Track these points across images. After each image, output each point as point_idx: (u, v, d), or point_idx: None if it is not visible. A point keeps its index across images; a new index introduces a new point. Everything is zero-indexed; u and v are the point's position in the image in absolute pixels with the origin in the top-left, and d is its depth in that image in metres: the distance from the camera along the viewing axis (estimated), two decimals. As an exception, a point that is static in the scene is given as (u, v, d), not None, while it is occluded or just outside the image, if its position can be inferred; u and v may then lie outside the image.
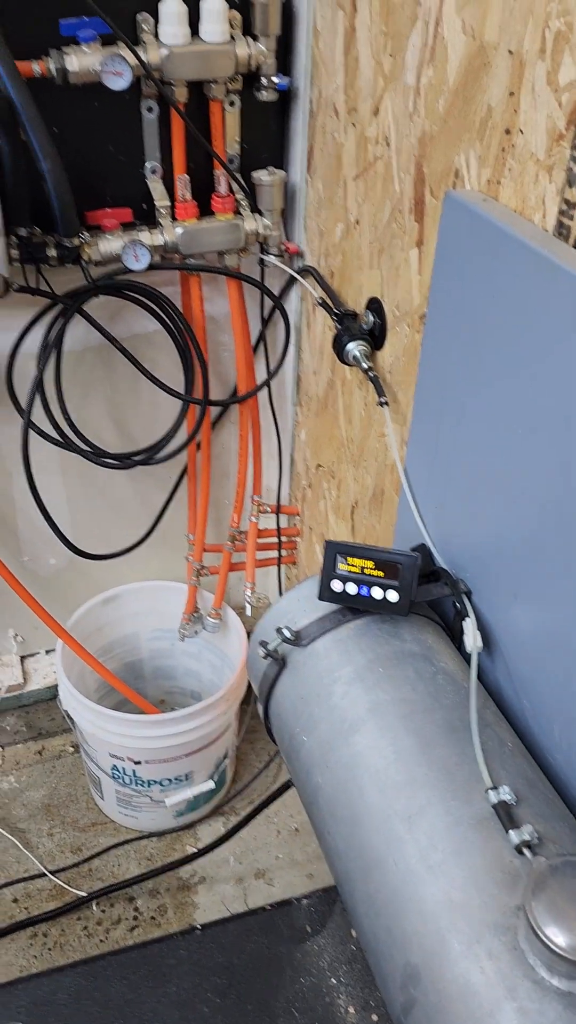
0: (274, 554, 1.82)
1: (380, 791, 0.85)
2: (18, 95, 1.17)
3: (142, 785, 1.71)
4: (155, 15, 1.26)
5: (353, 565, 0.98)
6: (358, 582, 0.98)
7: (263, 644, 1.02)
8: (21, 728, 1.97)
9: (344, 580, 0.98)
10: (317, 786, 0.92)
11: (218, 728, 1.68)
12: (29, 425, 1.45)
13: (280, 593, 1.91)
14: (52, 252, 1.33)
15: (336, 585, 0.99)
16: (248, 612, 1.77)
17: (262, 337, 1.64)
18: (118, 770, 1.69)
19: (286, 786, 1.49)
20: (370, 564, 0.98)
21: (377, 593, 0.97)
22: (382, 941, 0.79)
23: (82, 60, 1.23)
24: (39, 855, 1.77)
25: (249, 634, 1.77)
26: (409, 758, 0.86)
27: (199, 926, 0.93)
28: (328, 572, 0.99)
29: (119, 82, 1.24)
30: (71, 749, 1.98)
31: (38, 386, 1.43)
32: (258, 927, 0.88)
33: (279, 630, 1.01)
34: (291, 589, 1.09)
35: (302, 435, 1.69)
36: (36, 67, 1.22)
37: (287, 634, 1.00)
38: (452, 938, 0.72)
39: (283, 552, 1.81)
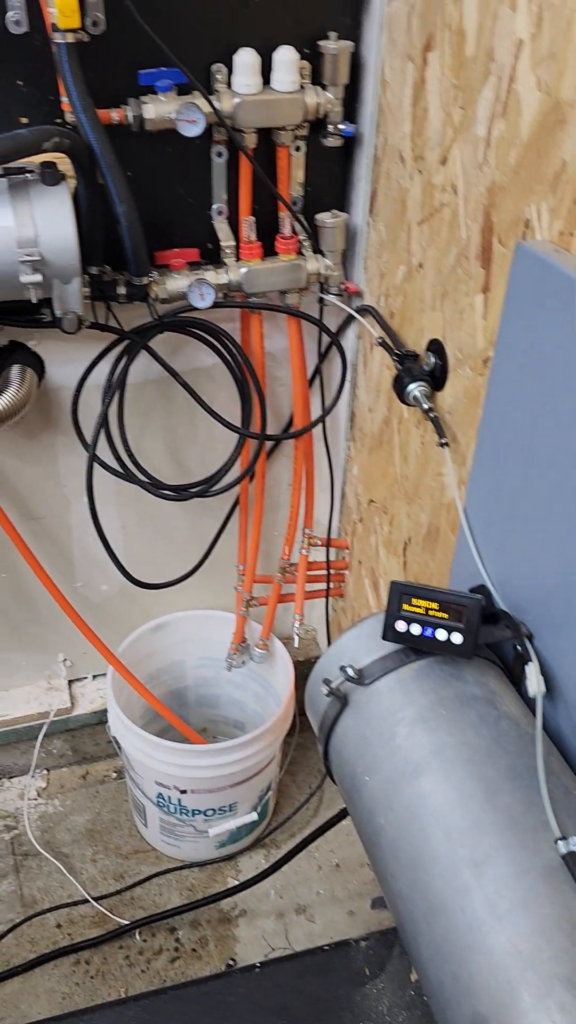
0: (321, 586, 1.83)
1: (445, 836, 0.85)
2: (98, 142, 1.22)
3: (187, 814, 1.72)
4: (229, 65, 1.31)
5: (417, 606, 0.99)
6: (422, 623, 0.99)
7: (326, 682, 1.03)
8: (67, 752, 1.99)
9: (408, 621, 0.99)
10: (380, 827, 0.92)
11: (263, 760, 1.69)
12: (94, 459, 1.48)
13: (328, 626, 1.92)
14: (122, 290, 1.37)
15: (400, 626, 1.00)
16: (296, 644, 1.78)
17: (318, 372, 1.66)
18: (163, 798, 1.70)
19: (330, 823, 1.49)
20: (434, 606, 0.99)
21: (441, 635, 0.98)
22: (448, 989, 0.79)
23: (158, 108, 1.28)
24: (82, 880, 1.78)
25: (296, 665, 1.79)
26: (474, 804, 0.86)
27: (258, 964, 0.94)
28: (392, 612, 1.00)
29: (193, 129, 1.28)
30: (115, 775, 2.00)
31: (104, 422, 1.47)
32: (315, 968, 0.88)
33: (343, 668, 1.02)
34: (352, 627, 1.10)
35: (354, 470, 1.71)
36: (115, 115, 1.27)
37: (350, 672, 1.01)
38: (522, 990, 0.72)
39: (331, 585, 1.82)
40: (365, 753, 0.98)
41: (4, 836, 1.85)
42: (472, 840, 0.83)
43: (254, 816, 1.76)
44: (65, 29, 1.14)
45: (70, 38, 1.16)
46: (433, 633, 0.98)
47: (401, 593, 1.00)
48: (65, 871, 1.79)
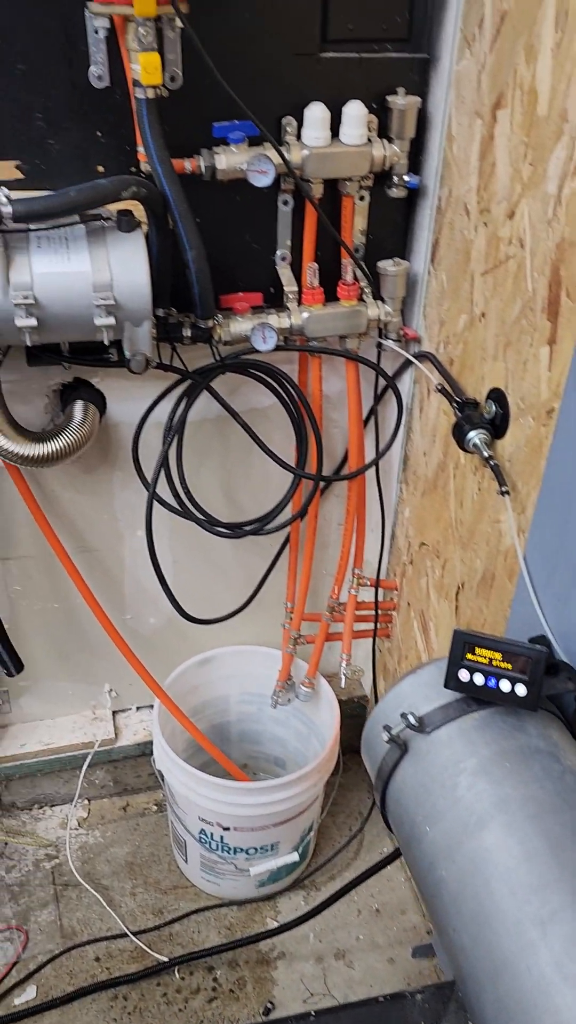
0: (368, 626, 1.83)
1: (510, 892, 0.84)
2: (171, 190, 1.26)
3: (228, 852, 1.71)
4: (299, 119, 1.35)
5: (481, 656, 0.99)
6: (486, 673, 0.99)
7: (386, 728, 1.03)
8: (108, 783, 2.00)
9: (471, 670, 1.00)
10: (441, 879, 0.92)
11: (307, 800, 1.68)
12: (154, 496, 1.51)
13: (374, 666, 1.92)
14: (187, 332, 1.41)
15: (463, 675, 1.00)
16: (342, 683, 1.78)
17: (372, 414, 1.68)
18: (206, 835, 1.70)
19: (374, 869, 1.48)
20: (498, 656, 0.99)
21: (505, 686, 0.98)
22: (513, 1049, 0.78)
23: (230, 159, 1.32)
24: (121, 914, 1.78)
25: (339, 704, 1.79)
26: (539, 860, 0.85)
27: (313, 1013, 0.93)
28: (455, 661, 1.00)
29: (263, 180, 1.32)
30: (155, 807, 2.00)
31: (164, 461, 1.50)
32: (371, 1019, 0.87)
33: (404, 715, 1.02)
34: (411, 673, 1.10)
35: (406, 512, 1.72)
36: (188, 165, 1.31)
37: (411, 720, 1.02)
38: (593, 1054, 0.71)
39: (378, 625, 1.82)
40: (425, 802, 0.98)
41: (45, 865, 1.86)
42: (538, 898, 0.82)
43: (295, 856, 1.75)
44: (147, 85, 1.19)
45: (150, 93, 1.20)
46: (496, 684, 0.98)
47: (464, 642, 1.00)
48: (105, 903, 1.79)
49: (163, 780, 1.72)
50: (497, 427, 1.30)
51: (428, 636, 1.66)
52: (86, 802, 1.99)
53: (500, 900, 0.85)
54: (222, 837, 1.69)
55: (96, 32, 1.23)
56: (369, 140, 1.36)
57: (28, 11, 1.21)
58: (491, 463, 1.27)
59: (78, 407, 1.49)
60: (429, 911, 0.97)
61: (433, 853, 0.94)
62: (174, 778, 1.67)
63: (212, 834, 1.69)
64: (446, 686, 1.01)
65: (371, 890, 1.84)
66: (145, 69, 1.17)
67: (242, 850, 1.71)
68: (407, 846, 1.02)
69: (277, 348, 1.45)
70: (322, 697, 1.83)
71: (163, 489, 1.56)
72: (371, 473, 1.71)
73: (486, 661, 0.99)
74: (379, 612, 1.81)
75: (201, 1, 1.23)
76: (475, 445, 1.30)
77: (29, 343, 1.22)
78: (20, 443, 1.37)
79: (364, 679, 2.01)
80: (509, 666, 0.98)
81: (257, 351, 1.45)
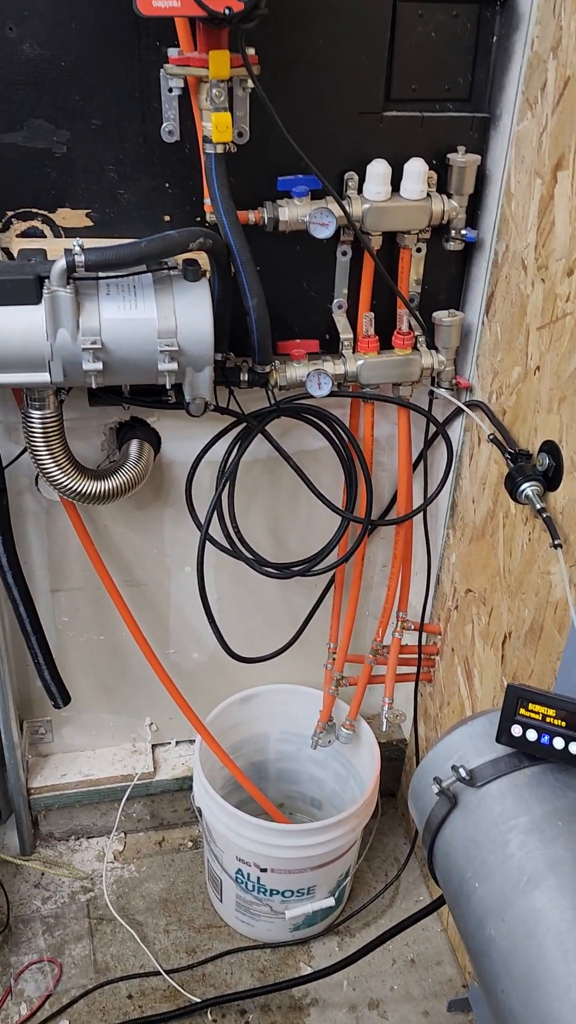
0: (410, 669, 1.83)
1: (563, 956, 0.84)
2: (235, 241, 1.30)
3: (264, 894, 1.71)
4: (361, 173, 1.38)
5: (534, 712, 0.99)
6: (539, 730, 0.99)
7: (436, 780, 1.03)
8: (145, 817, 2.00)
9: (524, 726, 0.99)
10: (490, 938, 0.91)
11: (346, 843, 1.67)
12: (207, 537, 1.54)
13: (415, 710, 1.91)
14: (244, 376, 1.44)
15: (516, 730, 1.00)
16: (384, 727, 1.78)
17: (421, 459, 1.69)
18: (242, 875, 1.70)
19: (412, 919, 1.46)
20: (552, 712, 0.99)
21: (559, 743, 0.98)
22: None
23: (293, 212, 1.35)
24: (155, 951, 1.78)
25: (381, 747, 1.78)
26: (593, 923, 0.85)
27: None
28: (508, 716, 1.00)
29: (324, 232, 1.36)
30: (190, 844, 2.00)
31: (217, 503, 1.52)
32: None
33: (455, 768, 1.02)
34: (462, 724, 1.10)
35: (452, 557, 1.72)
36: (252, 216, 1.35)
37: (463, 773, 1.02)
38: None
39: (421, 669, 1.82)
40: (475, 858, 0.98)
41: (81, 897, 1.87)
42: (592, 963, 0.81)
43: (331, 901, 1.74)
44: (217, 142, 1.23)
45: (219, 149, 1.25)
46: (550, 741, 0.98)
47: (518, 697, 1.00)
48: (139, 940, 1.79)
49: (201, 817, 1.73)
50: (550, 479, 1.30)
51: (472, 683, 1.65)
52: (122, 835, 2.00)
53: (552, 963, 0.84)
54: (259, 878, 1.68)
55: (170, 91, 1.28)
56: (428, 195, 1.40)
57: (107, 70, 1.26)
58: (543, 515, 1.28)
59: (134, 446, 1.53)
60: (476, 970, 0.96)
61: (482, 910, 0.94)
62: (213, 816, 1.67)
63: (249, 875, 1.69)
64: (498, 740, 1.01)
65: (406, 939, 1.81)
66: (216, 127, 1.21)
67: (278, 892, 1.70)
68: (455, 901, 1.02)
69: (331, 394, 1.48)
70: (362, 740, 1.83)
71: (214, 528, 1.58)
72: (418, 517, 1.72)
73: (539, 717, 0.99)
74: (422, 656, 1.81)
75: (271, 62, 1.27)
76: (527, 497, 1.31)
77: (94, 386, 1.26)
78: (79, 480, 1.41)
79: (405, 724, 2.00)
80: (563, 723, 0.98)
81: (311, 396, 1.47)
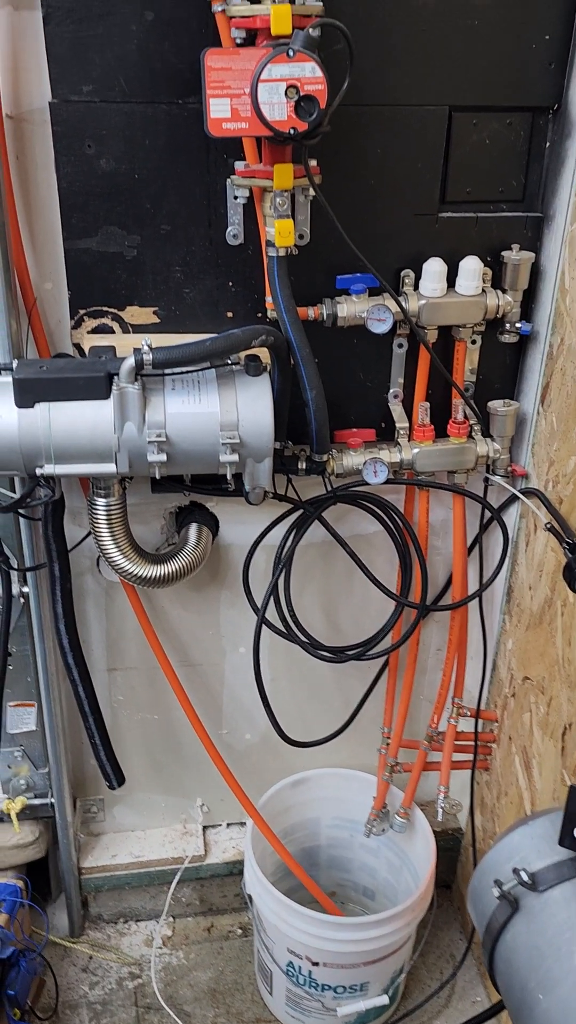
0: (466, 756, 1.79)
1: None
2: (296, 336, 1.35)
3: (316, 988, 1.66)
4: (417, 271, 1.43)
5: (598, 815, 0.97)
6: (603, 834, 0.96)
7: (497, 883, 1.01)
8: (194, 901, 1.97)
9: (588, 830, 0.97)
10: (556, 1056, 0.88)
11: (401, 939, 1.63)
12: (263, 621, 1.56)
13: (472, 799, 1.87)
14: (302, 465, 1.47)
15: (579, 834, 0.98)
16: (439, 817, 1.74)
17: (476, 543, 1.70)
18: (294, 968, 1.66)
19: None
20: (616, 817, 0.96)
21: (624, 849, 0.95)
22: None
23: (351, 308, 1.40)
24: (203, 1046, 1.73)
25: (436, 835, 1.74)
26: None
27: None
28: (571, 818, 0.98)
29: (381, 327, 1.40)
30: (239, 931, 1.96)
31: (274, 588, 1.54)
32: None
33: (516, 871, 1.00)
34: (523, 824, 1.08)
35: (508, 643, 1.71)
36: (311, 312, 1.41)
37: (524, 877, 0.99)
38: None
39: (478, 757, 1.79)
40: (539, 967, 0.94)
41: (128, 984, 1.84)
42: None
43: (385, 999, 1.68)
44: (280, 246, 1.29)
45: (282, 252, 1.31)
46: (616, 846, 0.96)
47: (581, 799, 0.98)
48: (186, 1032, 1.75)
49: (252, 905, 1.70)
50: (609, 570, 1.30)
51: (531, 774, 1.62)
52: (171, 920, 1.97)
53: None
54: (311, 972, 1.64)
55: (235, 199, 1.35)
56: (483, 291, 1.44)
57: (177, 181, 1.34)
58: (603, 607, 1.27)
59: (193, 530, 1.57)
60: None
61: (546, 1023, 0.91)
62: (264, 905, 1.64)
63: (300, 968, 1.64)
64: (561, 843, 0.99)
65: (463, 1043, 1.74)
66: (280, 233, 1.27)
67: (330, 987, 1.65)
68: (517, 1012, 0.98)
69: (387, 481, 1.50)
70: (417, 829, 1.79)
71: (269, 610, 1.60)
72: (473, 602, 1.71)
73: (604, 821, 0.97)
74: (479, 743, 1.78)
75: (331, 169, 1.34)
76: (586, 587, 1.30)
77: (158, 476, 1.30)
78: (140, 565, 1.44)
79: (462, 813, 1.96)
80: (628, 828, 0.96)
81: (367, 483, 1.50)
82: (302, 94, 1.13)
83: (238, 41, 1.20)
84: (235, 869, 1.93)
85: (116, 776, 1.64)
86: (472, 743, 1.77)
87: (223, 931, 1.96)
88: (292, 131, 1.15)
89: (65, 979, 1.83)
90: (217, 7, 1.19)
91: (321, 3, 1.18)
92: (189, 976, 1.86)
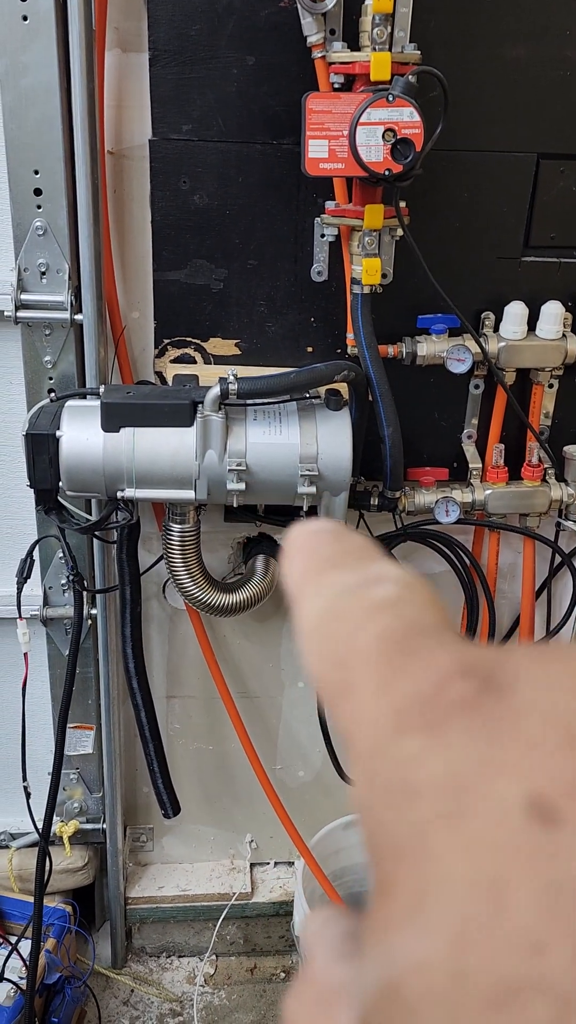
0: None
1: None
2: (375, 373, 1.36)
3: (362, 1039, 1.61)
4: (497, 313, 1.44)
5: None
6: None
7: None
8: (238, 940, 1.94)
9: None
10: None
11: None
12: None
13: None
14: (374, 500, 1.48)
15: None
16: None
17: (545, 588, 1.67)
18: (340, 1016, 1.61)
19: None
20: None
21: None
22: None
23: (431, 347, 1.42)
24: None
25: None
26: None
27: None
28: None
29: (460, 367, 1.41)
30: (283, 974, 1.92)
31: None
32: None
33: None
34: None
35: None
36: (391, 350, 1.42)
37: None
38: None
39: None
40: None
41: (169, 1021, 1.81)
42: None
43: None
44: (366, 284, 1.31)
45: (366, 290, 1.33)
46: None
47: None
48: (227, 1077, 1.71)
49: (299, 946, 1.66)
50: None
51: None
52: (214, 958, 1.94)
53: None
54: (358, 1022, 1.59)
55: (322, 236, 1.38)
56: (564, 335, 1.44)
57: (266, 218, 1.38)
58: None
59: (260, 561, 1.57)
60: None
61: None
62: (313, 948, 1.60)
63: (347, 1017, 1.60)
64: None
65: None
66: (367, 271, 1.29)
67: (377, 1040, 1.60)
68: None
69: (458, 521, 1.49)
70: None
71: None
72: (539, 648, 1.68)
73: None
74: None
75: (418, 211, 1.36)
76: None
77: (235, 504, 1.31)
78: (209, 592, 1.45)
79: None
80: None
81: (438, 522, 1.49)
82: (399, 137, 1.16)
83: (336, 86, 1.24)
84: (281, 910, 1.89)
85: (172, 805, 1.63)
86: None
87: (266, 973, 1.92)
88: (387, 172, 1.17)
89: (106, 1011, 1.81)
90: (317, 53, 1.23)
91: (419, 51, 1.21)
92: (230, 1018, 1.83)
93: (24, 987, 1.50)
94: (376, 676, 0.18)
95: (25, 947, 1.54)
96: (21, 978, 1.53)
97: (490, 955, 0.14)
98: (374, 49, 1.18)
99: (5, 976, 1.51)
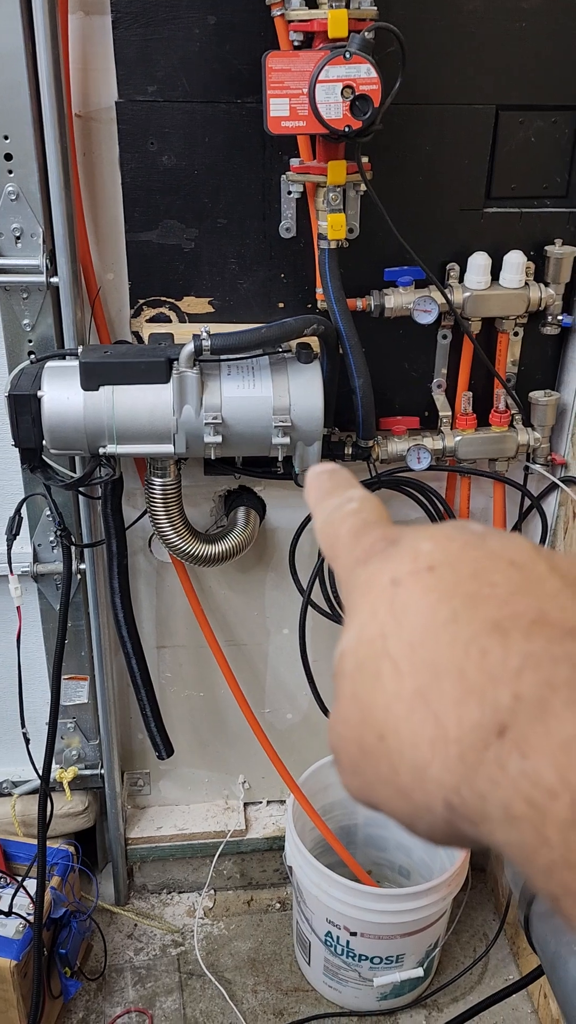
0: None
1: None
2: (345, 326, 1.41)
3: (353, 958, 1.72)
4: (462, 264, 1.49)
5: None
6: None
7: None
8: (235, 875, 2.04)
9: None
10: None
11: (436, 912, 1.68)
12: (309, 603, 1.62)
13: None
14: (348, 450, 1.53)
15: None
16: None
17: (515, 530, 1.74)
18: (332, 937, 1.71)
19: (499, 996, 1.45)
20: None
21: None
22: None
23: (398, 300, 1.46)
24: (243, 1011, 1.80)
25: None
26: None
27: None
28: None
29: (427, 318, 1.46)
30: (278, 905, 2.02)
31: (319, 571, 1.61)
32: None
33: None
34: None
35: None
36: (360, 303, 1.46)
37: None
38: None
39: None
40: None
41: (171, 951, 1.91)
42: None
43: (420, 972, 1.73)
44: (331, 239, 1.35)
45: (333, 245, 1.37)
46: None
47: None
48: (227, 997, 1.81)
49: (292, 876, 1.76)
50: None
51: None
52: (212, 892, 2.04)
53: None
54: (348, 942, 1.70)
55: (289, 194, 1.42)
56: (526, 284, 1.48)
57: (234, 177, 1.41)
58: None
59: (241, 512, 1.63)
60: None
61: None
62: (305, 876, 1.70)
63: (339, 938, 1.70)
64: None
65: (495, 1018, 1.78)
66: (332, 227, 1.33)
67: (367, 958, 1.71)
68: (552, 968, 1.03)
69: (430, 468, 1.55)
70: (453, 808, 1.84)
71: (313, 593, 1.66)
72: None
73: None
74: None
75: (381, 165, 1.40)
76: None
77: (213, 457, 1.37)
78: (192, 543, 1.51)
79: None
80: None
81: (411, 470, 1.55)
82: (357, 94, 1.19)
83: (295, 44, 1.26)
84: (275, 845, 1.99)
85: (165, 747, 1.71)
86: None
87: (262, 904, 2.02)
88: (347, 129, 1.21)
89: (111, 944, 1.91)
90: (276, 11, 1.26)
91: (375, 7, 1.24)
92: (230, 946, 1.93)
93: (32, 921, 1.59)
94: (347, 548, 0.36)
95: (32, 886, 1.63)
96: (29, 914, 1.62)
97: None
98: (331, 6, 1.21)
99: (13, 910, 1.60)
